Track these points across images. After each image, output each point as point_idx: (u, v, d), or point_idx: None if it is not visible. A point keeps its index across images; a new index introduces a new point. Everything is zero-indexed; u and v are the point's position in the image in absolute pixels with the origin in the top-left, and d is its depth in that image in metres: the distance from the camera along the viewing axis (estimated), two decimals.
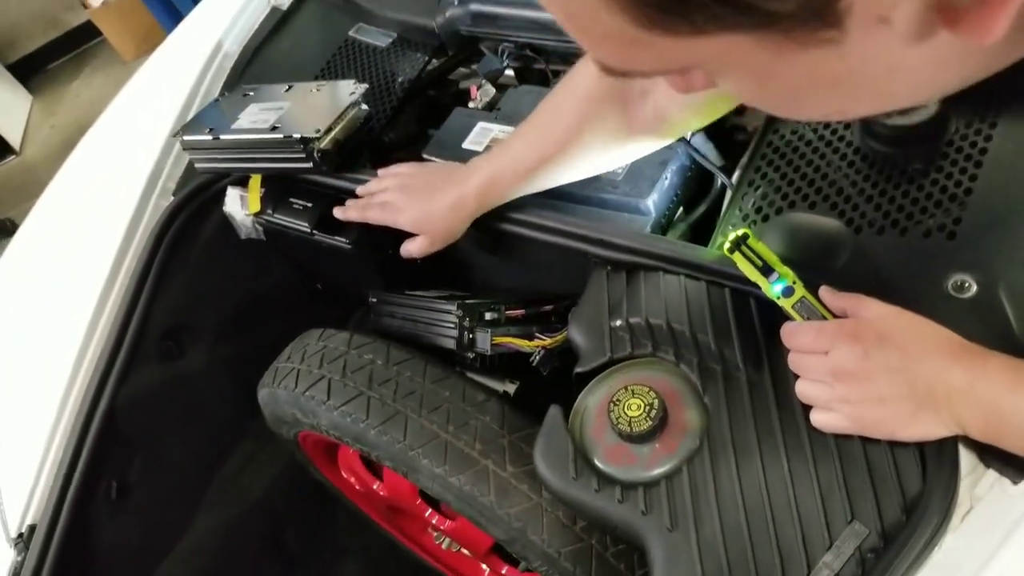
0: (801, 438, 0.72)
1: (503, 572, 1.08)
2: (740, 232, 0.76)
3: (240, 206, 1.22)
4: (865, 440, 0.69)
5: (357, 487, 1.21)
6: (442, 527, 1.07)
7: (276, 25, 1.44)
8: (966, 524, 0.63)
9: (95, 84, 4.11)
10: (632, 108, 0.81)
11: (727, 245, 0.77)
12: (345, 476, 1.23)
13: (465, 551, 1.18)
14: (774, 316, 0.76)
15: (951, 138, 0.80)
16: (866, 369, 0.66)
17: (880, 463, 0.68)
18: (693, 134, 0.92)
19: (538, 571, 0.89)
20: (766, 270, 0.75)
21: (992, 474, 0.64)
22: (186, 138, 1.19)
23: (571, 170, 0.89)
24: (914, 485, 0.66)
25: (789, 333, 0.73)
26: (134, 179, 1.29)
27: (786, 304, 0.74)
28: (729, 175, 0.90)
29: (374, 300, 1.09)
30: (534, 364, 0.89)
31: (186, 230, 1.25)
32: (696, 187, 0.94)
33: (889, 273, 0.75)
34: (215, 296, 1.29)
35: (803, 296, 0.74)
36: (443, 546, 1.17)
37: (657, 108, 0.80)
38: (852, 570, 0.65)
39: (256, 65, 1.40)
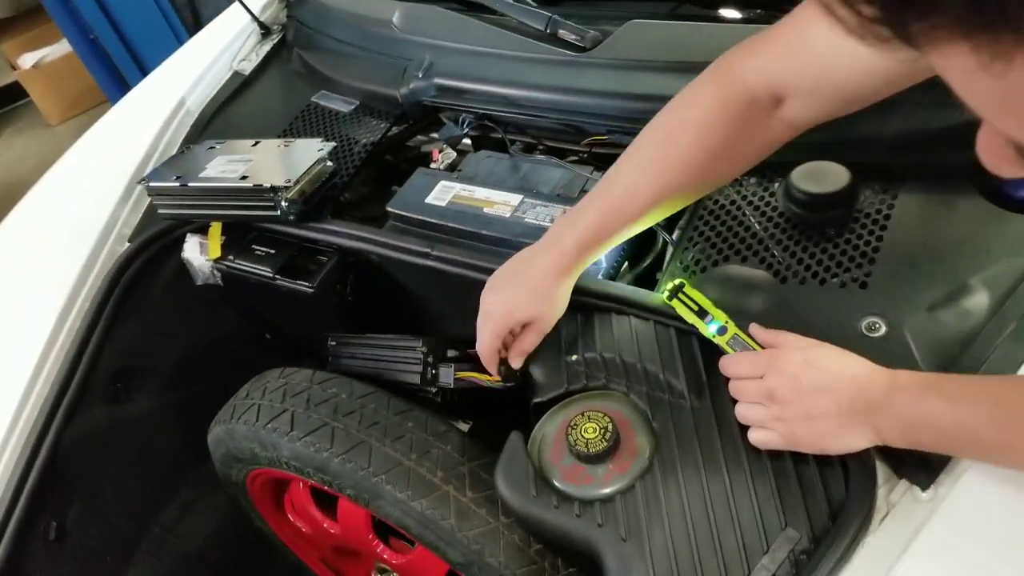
0: (740, 457, 0.80)
1: None
2: (677, 282, 0.88)
3: (199, 252, 1.27)
4: (796, 456, 0.78)
5: (304, 529, 1.22)
6: (393, 562, 1.10)
7: (238, 88, 1.52)
8: (883, 526, 0.73)
9: (16, 145, 4.04)
10: (755, 127, 0.84)
11: (665, 293, 0.87)
12: (292, 520, 1.24)
13: None
14: (714, 351, 0.86)
15: (860, 205, 0.93)
16: (796, 390, 0.76)
17: (809, 476, 0.77)
18: None
19: None
20: (701, 313, 0.85)
21: (904, 483, 0.74)
22: (152, 184, 1.24)
23: (690, 197, 0.91)
24: (838, 494, 0.75)
25: (728, 363, 0.83)
26: (90, 224, 1.32)
27: (720, 341, 0.85)
28: (671, 234, 1.01)
29: (333, 343, 1.14)
30: (499, 382, 0.95)
31: (141, 274, 1.28)
32: (641, 244, 1.04)
33: (811, 316, 0.86)
34: (167, 341, 1.32)
35: (735, 333, 0.84)
36: None
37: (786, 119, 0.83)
38: (787, 571, 0.73)
39: (217, 124, 1.46)
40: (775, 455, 0.79)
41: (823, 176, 0.95)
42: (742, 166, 0.90)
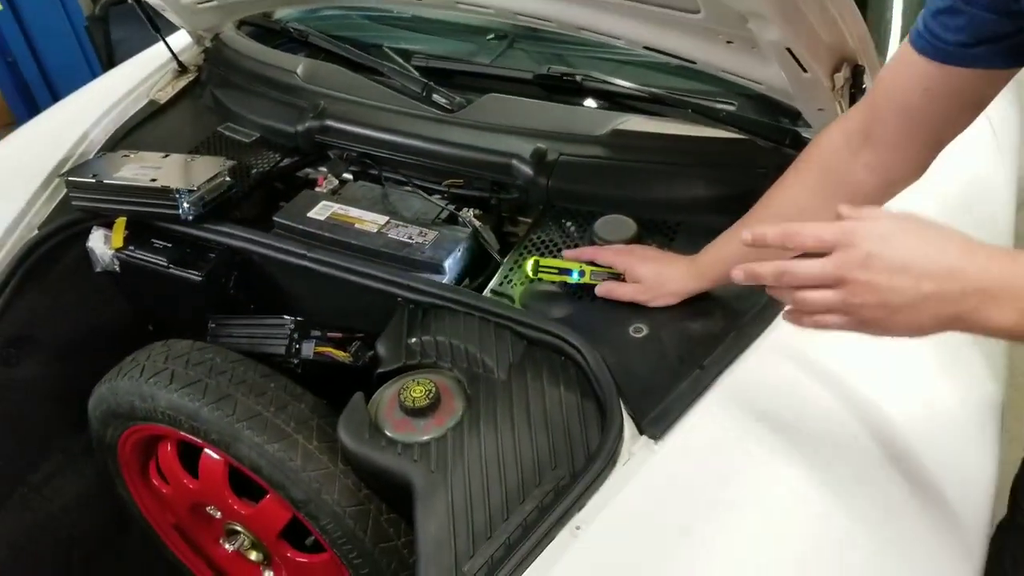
0: (528, 419, 1.04)
1: (288, 555, 1.28)
2: (532, 261, 1.17)
3: (103, 243, 1.44)
4: (568, 414, 1.03)
5: (164, 491, 1.38)
6: (241, 512, 1.27)
7: (152, 113, 1.73)
8: (625, 467, 0.97)
9: None
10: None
11: (529, 272, 1.17)
12: (154, 484, 1.39)
13: (253, 555, 1.37)
14: (522, 339, 1.12)
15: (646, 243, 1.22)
16: (871, 272, 0.70)
17: (575, 430, 1.02)
18: (482, 224, 1.30)
19: (325, 529, 1.13)
20: (563, 272, 1.15)
21: (645, 437, 1.00)
22: (71, 179, 1.42)
23: None
24: (595, 442, 1.00)
25: (792, 233, 0.76)
26: (4, 214, 1.48)
27: (587, 280, 1.15)
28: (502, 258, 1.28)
29: (213, 324, 1.33)
30: (351, 359, 1.18)
31: (46, 258, 1.45)
32: (476, 265, 1.30)
33: (595, 321, 1.13)
34: (61, 318, 1.47)
35: (592, 270, 1.15)
36: (229, 549, 1.36)
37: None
38: (551, 497, 0.96)
39: (130, 140, 1.66)
40: (553, 415, 1.04)
41: (618, 226, 1.24)
42: None
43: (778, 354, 1.05)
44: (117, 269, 1.44)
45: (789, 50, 1.05)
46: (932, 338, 0.74)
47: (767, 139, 1.24)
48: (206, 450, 1.25)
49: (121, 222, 1.43)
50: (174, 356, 1.22)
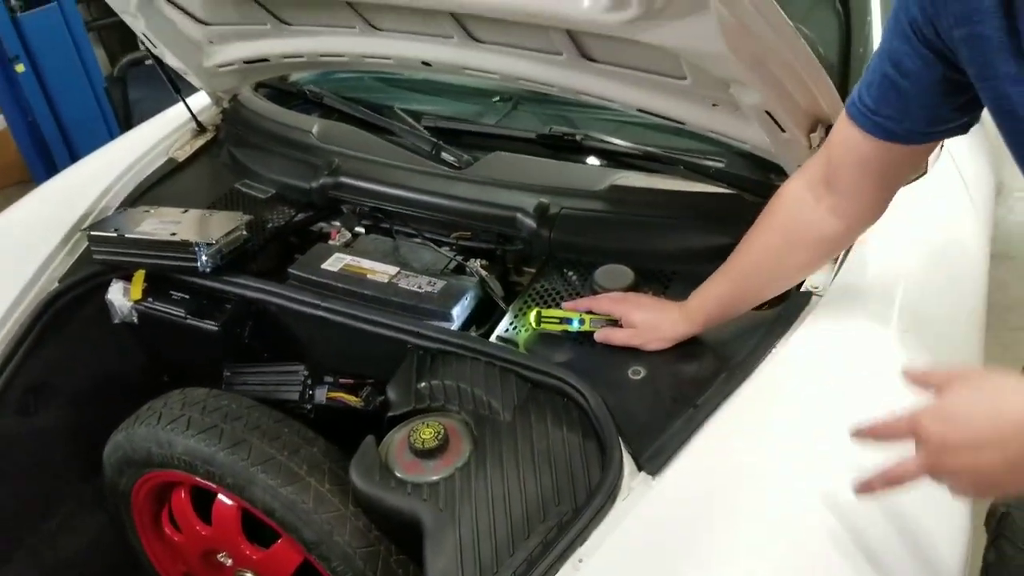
0: (532, 458, 1.09)
1: None
2: (534, 312, 1.23)
3: (122, 294, 1.50)
4: (570, 453, 1.08)
5: (176, 539, 1.41)
6: (253, 557, 1.30)
7: (171, 171, 1.81)
8: (624, 502, 1.02)
9: None
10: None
11: (532, 323, 1.22)
12: (166, 533, 1.43)
13: None
14: (526, 382, 1.17)
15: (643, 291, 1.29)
16: (954, 457, 0.74)
17: (577, 468, 1.07)
18: (488, 274, 1.36)
19: (336, 571, 1.16)
20: (564, 321, 1.21)
21: (643, 473, 1.04)
22: (94, 233, 1.49)
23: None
24: (596, 479, 1.05)
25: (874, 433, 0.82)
26: (27, 266, 1.54)
27: (587, 327, 1.21)
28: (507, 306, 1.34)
29: (228, 372, 1.38)
30: (362, 404, 1.23)
31: (66, 309, 1.51)
32: (481, 312, 1.36)
33: (596, 365, 1.19)
34: (79, 367, 1.52)
35: (591, 319, 1.20)
36: None
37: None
38: (555, 531, 1.01)
39: (149, 197, 1.73)
40: (556, 453, 1.09)
41: (617, 276, 1.31)
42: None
43: (766, 394, 1.11)
44: (135, 321, 1.50)
45: (768, 112, 1.13)
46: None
47: (753, 193, 1.31)
48: (220, 496, 1.29)
49: (140, 275, 1.49)
50: (191, 403, 1.27)
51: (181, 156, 1.85)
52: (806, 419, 1.09)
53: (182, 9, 1.54)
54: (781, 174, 1.30)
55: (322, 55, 1.55)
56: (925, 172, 1.41)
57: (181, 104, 1.89)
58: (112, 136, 2.25)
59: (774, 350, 1.14)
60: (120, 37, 3.88)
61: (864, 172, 1.00)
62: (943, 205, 1.49)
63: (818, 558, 0.95)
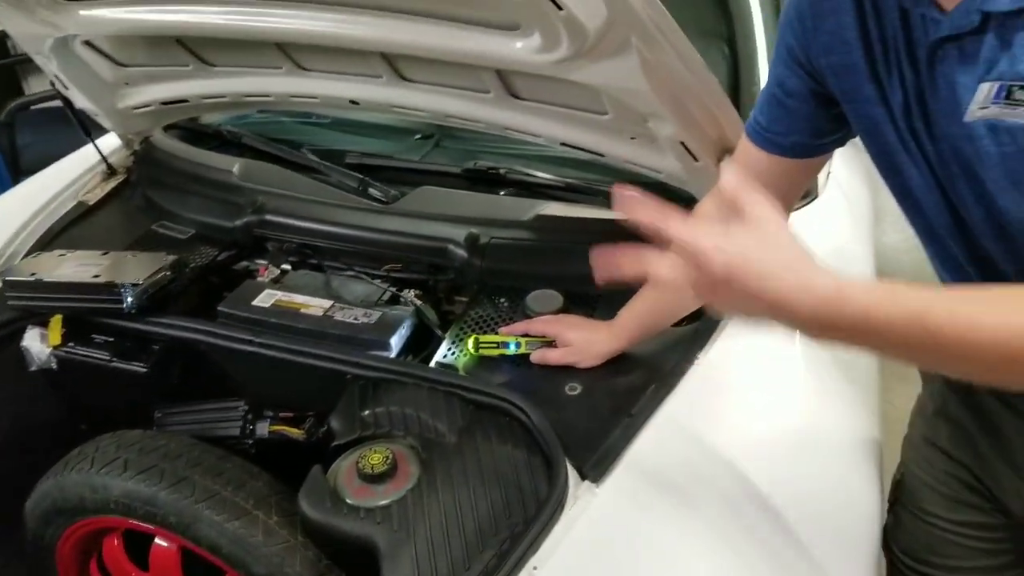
0: (481, 475, 1.13)
1: None
2: (472, 338, 1.27)
3: (39, 341, 1.46)
4: (517, 468, 1.13)
5: None
6: None
7: (83, 214, 1.77)
8: (571, 510, 1.07)
9: None
10: None
11: (471, 349, 1.27)
12: None
13: None
14: (469, 404, 1.21)
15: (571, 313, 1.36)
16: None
17: (527, 482, 1.12)
18: (422, 303, 1.41)
19: None
20: (501, 345, 1.26)
21: (587, 482, 1.10)
22: (8, 279, 1.44)
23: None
24: (543, 491, 1.10)
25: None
26: None
27: (523, 349, 1.27)
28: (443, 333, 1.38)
29: (159, 415, 1.37)
30: (305, 435, 1.24)
31: None
32: (419, 340, 1.40)
33: (535, 382, 1.25)
34: None
35: (528, 341, 1.26)
36: None
37: None
38: (508, 542, 1.05)
39: (61, 241, 1.69)
40: (504, 470, 1.13)
41: (547, 300, 1.38)
42: None
43: (693, 401, 1.20)
44: (54, 367, 1.45)
45: (683, 143, 1.23)
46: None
47: None
48: (157, 539, 1.27)
49: (58, 319, 1.46)
50: (126, 445, 1.25)
51: (91, 199, 1.82)
52: (730, 421, 1.19)
53: (100, 51, 1.53)
54: (688, 205, 1.40)
55: (246, 95, 1.58)
56: (816, 196, 1.56)
57: (86, 147, 1.86)
58: (2, 182, 2.16)
59: (696, 361, 1.24)
60: (4, 81, 3.72)
61: (762, 186, 1.11)
62: (832, 227, 1.63)
63: (751, 546, 1.04)
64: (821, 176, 1.61)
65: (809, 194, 1.57)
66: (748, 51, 1.76)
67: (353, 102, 1.47)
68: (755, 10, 1.77)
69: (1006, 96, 0.74)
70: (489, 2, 1.07)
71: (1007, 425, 1.05)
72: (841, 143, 1.08)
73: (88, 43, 1.51)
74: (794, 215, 1.30)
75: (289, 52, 1.41)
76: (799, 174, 1.13)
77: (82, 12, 1.36)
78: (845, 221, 1.73)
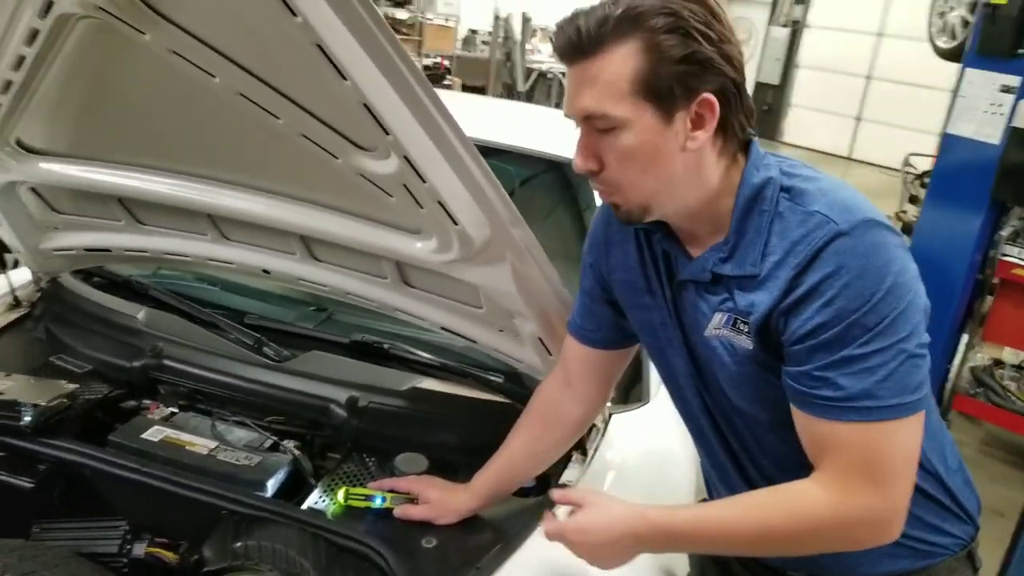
0: None
1: None
2: (342, 490, 1.44)
3: None
4: None
5: None
6: None
7: None
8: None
9: None
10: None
11: (340, 500, 1.42)
12: None
13: None
14: (333, 546, 1.37)
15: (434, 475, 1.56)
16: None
17: None
18: (303, 452, 1.57)
19: None
20: (368, 498, 1.42)
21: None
22: None
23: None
24: None
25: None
26: None
27: (389, 503, 1.42)
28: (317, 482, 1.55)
29: (38, 529, 1.44)
30: (179, 560, 1.34)
31: None
32: (292, 486, 1.55)
33: (395, 533, 1.42)
34: None
35: (392, 496, 1.43)
36: None
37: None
38: None
39: None
40: None
41: (414, 462, 1.57)
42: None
43: (532, 561, 1.39)
44: None
45: (541, 340, 1.52)
46: None
47: (521, 403, 1.66)
48: None
49: None
50: (6, 551, 1.31)
51: None
52: None
53: (41, 196, 1.72)
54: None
55: (167, 253, 1.78)
56: (648, 402, 1.86)
57: None
58: None
59: (539, 527, 1.45)
60: None
61: (585, 369, 1.42)
62: (660, 430, 1.92)
63: None
64: (653, 384, 1.92)
65: (641, 399, 1.88)
66: None
67: (265, 271, 1.70)
68: None
69: (732, 324, 1.10)
70: (401, 212, 1.36)
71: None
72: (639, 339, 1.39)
73: (33, 189, 1.70)
74: (626, 418, 1.60)
75: (217, 222, 1.65)
76: (614, 360, 1.44)
77: (42, 165, 1.56)
78: (673, 426, 2.04)
